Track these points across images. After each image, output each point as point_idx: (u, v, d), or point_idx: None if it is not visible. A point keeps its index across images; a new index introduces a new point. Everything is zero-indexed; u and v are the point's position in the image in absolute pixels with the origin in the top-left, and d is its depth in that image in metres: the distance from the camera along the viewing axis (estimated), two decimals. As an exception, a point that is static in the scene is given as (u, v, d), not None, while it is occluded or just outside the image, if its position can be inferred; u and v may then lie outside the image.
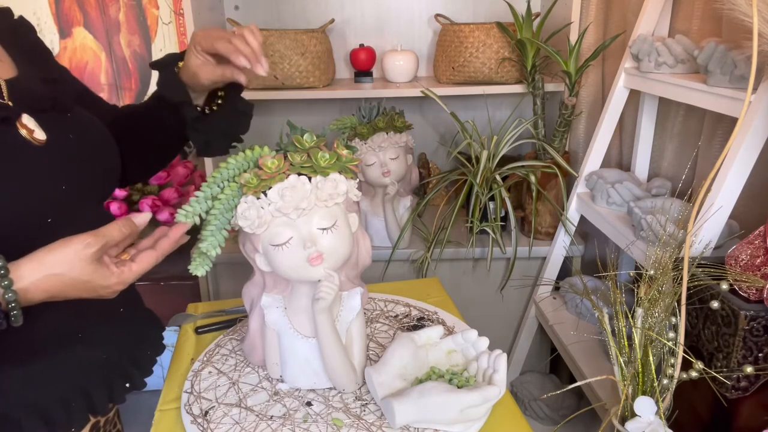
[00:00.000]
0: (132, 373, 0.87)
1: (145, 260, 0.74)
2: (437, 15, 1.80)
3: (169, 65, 0.93)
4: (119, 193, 1.71)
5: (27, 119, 0.75)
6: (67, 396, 0.78)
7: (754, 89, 0.93)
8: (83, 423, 0.81)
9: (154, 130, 0.98)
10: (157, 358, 0.93)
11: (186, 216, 0.78)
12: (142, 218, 0.76)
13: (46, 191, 0.75)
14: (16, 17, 0.86)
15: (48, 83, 0.81)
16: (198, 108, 0.95)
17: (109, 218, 0.88)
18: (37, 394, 0.76)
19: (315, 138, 0.81)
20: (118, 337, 0.86)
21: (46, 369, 0.77)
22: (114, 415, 0.92)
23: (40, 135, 0.75)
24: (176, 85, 0.91)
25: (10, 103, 0.74)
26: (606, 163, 1.53)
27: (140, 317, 0.94)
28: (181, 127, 0.94)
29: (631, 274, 1.13)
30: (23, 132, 0.74)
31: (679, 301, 0.84)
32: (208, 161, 1.70)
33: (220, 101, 0.98)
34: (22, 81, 0.78)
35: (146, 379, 0.92)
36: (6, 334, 0.65)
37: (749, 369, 0.80)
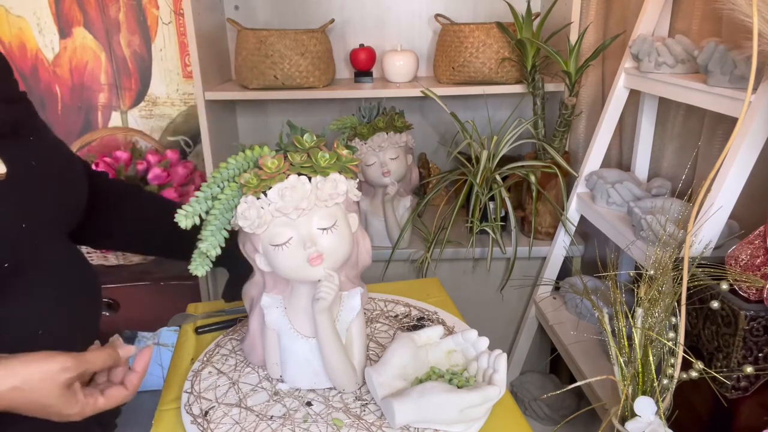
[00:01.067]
0: (102, 419, 0.84)
1: (113, 398, 0.71)
2: (437, 15, 1.80)
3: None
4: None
5: None
6: None
7: (754, 89, 0.93)
8: None
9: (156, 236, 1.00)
10: (122, 408, 0.89)
11: (186, 216, 0.78)
12: (127, 351, 0.74)
13: (2, 232, 0.69)
14: None
15: (7, 103, 0.74)
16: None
17: (78, 255, 0.83)
18: None
19: (315, 138, 0.81)
20: None
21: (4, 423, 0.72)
22: None
23: None
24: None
25: None
26: (606, 163, 1.53)
27: None
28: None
29: (631, 274, 1.13)
30: None
31: (679, 301, 0.84)
32: (208, 162, 1.70)
33: None
34: None
35: (146, 378, 0.91)
36: None
37: (749, 369, 0.80)
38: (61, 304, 0.75)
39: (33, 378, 0.62)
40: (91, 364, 0.67)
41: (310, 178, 0.79)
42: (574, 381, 1.03)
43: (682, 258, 0.84)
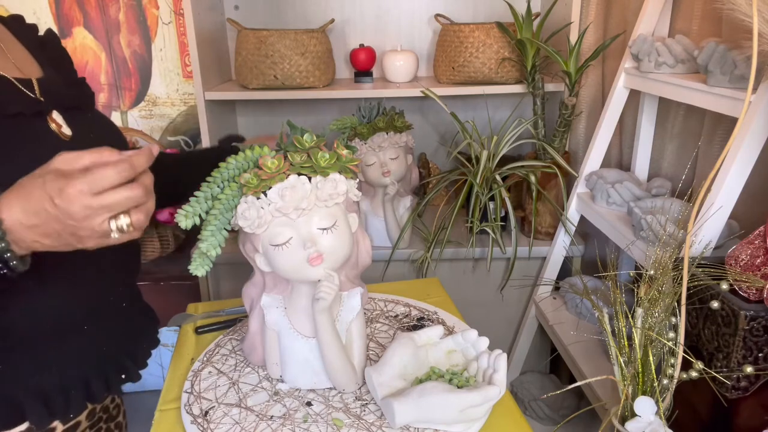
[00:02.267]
0: (128, 366, 0.89)
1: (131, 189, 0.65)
2: (437, 15, 1.80)
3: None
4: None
5: (56, 115, 0.79)
6: (68, 384, 0.81)
7: (754, 89, 0.93)
8: (81, 410, 0.83)
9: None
10: (152, 352, 0.96)
11: (186, 216, 0.78)
12: (144, 158, 0.65)
13: None
14: (44, 31, 0.92)
15: (71, 85, 0.88)
16: None
17: None
18: (41, 380, 0.78)
19: (315, 138, 0.81)
20: (118, 330, 0.88)
21: (50, 358, 0.79)
22: (111, 401, 0.94)
23: (66, 131, 0.79)
24: None
25: (42, 99, 0.78)
26: (606, 163, 1.53)
27: (139, 312, 0.96)
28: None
29: (631, 274, 1.13)
30: (53, 126, 0.78)
31: (679, 301, 0.84)
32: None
33: None
34: (50, 81, 0.83)
35: (146, 378, 0.93)
36: (14, 284, 0.65)
37: (749, 369, 0.80)
38: (107, 256, 0.76)
39: (28, 177, 0.62)
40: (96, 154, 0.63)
41: (310, 178, 0.79)
42: (574, 381, 1.03)
43: (682, 258, 0.84)
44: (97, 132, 0.86)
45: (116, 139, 0.91)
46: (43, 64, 0.86)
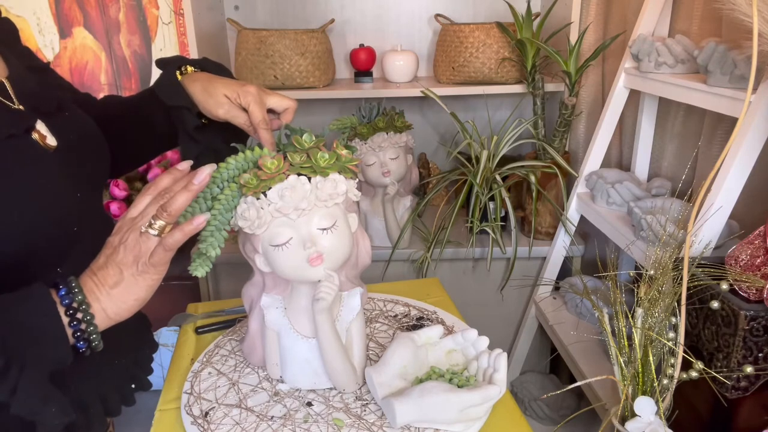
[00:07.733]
0: (137, 374, 0.88)
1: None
2: (437, 15, 1.80)
3: (173, 67, 0.92)
4: (119, 193, 1.71)
5: (40, 125, 0.73)
6: (87, 401, 0.78)
7: (754, 89, 0.93)
8: (102, 425, 0.82)
9: (139, 130, 0.95)
10: (153, 356, 0.95)
11: (185, 216, 0.78)
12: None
13: (67, 199, 0.74)
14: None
15: (34, 72, 0.80)
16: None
17: (111, 222, 0.88)
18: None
19: (314, 138, 0.81)
20: (123, 340, 0.87)
21: (68, 377, 0.76)
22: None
23: (51, 141, 0.74)
24: (176, 88, 0.90)
25: (21, 108, 0.72)
26: (606, 163, 1.53)
27: (137, 318, 0.93)
28: (172, 132, 0.92)
29: (631, 274, 1.13)
30: (35, 136, 0.72)
31: (679, 301, 0.84)
32: (208, 161, 1.69)
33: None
34: (21, 78, 0.76)
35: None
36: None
37: (749, 369, 0.80)
38: None
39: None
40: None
41: (309, 179, 0.79)
42: (574, 381, 1.03)
43: (682, 258, 0.84)
44: (78, 134, 0.80)
45: (96, 140, 0.85)
46: (4, 56, 0.77)
